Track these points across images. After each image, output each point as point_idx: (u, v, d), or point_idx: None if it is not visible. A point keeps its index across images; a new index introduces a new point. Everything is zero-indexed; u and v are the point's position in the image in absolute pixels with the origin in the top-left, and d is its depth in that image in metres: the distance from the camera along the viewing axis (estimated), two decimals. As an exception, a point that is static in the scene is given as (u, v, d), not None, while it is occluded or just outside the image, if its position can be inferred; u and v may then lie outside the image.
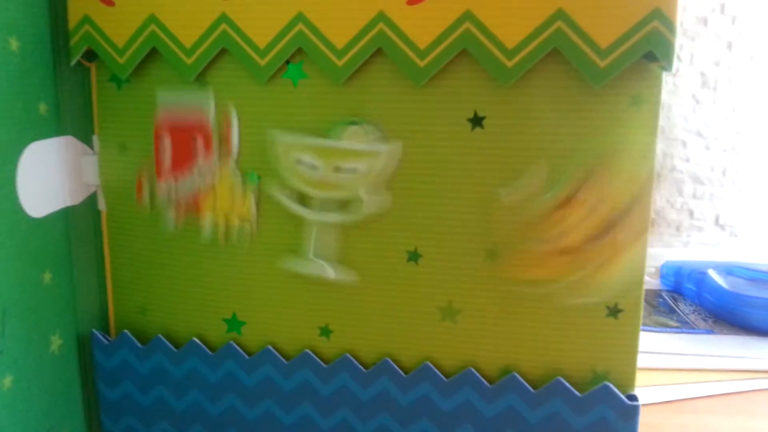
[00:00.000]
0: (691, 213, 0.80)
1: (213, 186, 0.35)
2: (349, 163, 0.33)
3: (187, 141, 0.35)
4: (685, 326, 0.57)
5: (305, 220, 0.34)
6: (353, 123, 0.33)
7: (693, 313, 0.60)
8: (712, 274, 0.62)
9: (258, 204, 0.35)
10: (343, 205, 0.34)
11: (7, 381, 0.32)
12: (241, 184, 0.35)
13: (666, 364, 0.50)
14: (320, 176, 0.33)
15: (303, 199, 0.34)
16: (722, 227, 0.81)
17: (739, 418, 0.43)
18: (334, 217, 0.34)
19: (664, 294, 0.66)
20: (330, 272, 0.35)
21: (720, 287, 0.59)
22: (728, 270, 0.63)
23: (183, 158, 0.35)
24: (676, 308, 0.62)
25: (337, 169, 0.33)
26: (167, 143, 0.35)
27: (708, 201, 0.80)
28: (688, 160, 0.78)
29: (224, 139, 0.34)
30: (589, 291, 0.33)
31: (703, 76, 0.75)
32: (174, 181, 0.36)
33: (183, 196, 0.36)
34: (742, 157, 0.79)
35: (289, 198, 0.35)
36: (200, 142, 0.35)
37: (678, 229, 0.80)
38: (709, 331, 0.56)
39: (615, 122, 0.31)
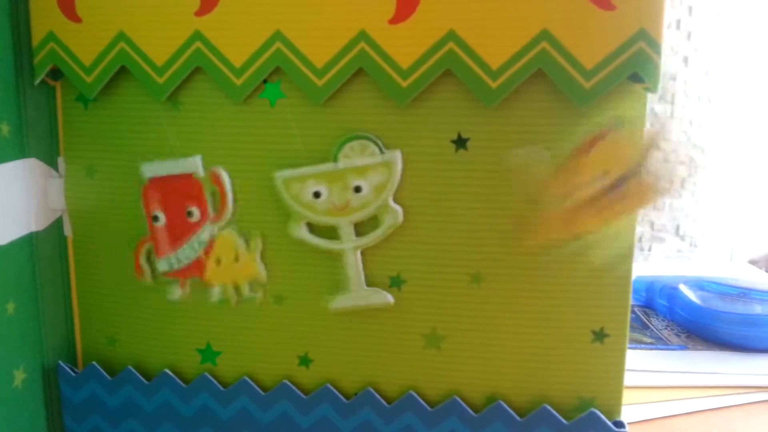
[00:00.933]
0: (651, 224, 0.81)
1: (215, 253, 0.34)
2: (358, 180, 0.32)
3: (180, 211, 0.34)
4: (659, 342, 0.56)
5: (342, 252, 0.33)
6: (349, 139, 0.32)
7: (666, 328, 0.60)
8: (683, 289, 0.62)
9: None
10: (362, 226, 0.33)
11: (-35, 421, 0.30)
12: (245, 245, 0.33)
13: (642, 382, 0.49)
14: (339, 202, 0.32)
15: (327, 231, 0.33)
16: (682, 237, 0.82)
17: None
18: (369, 240, 0.33)
19: (636, 309, 0.65)
20: (389, 297, 0.33)
21: (692, 302, 0.59)
22: (699, 285, 0.63)
23: (179, 230, 0.34)
24: (648, 324, 0.61)
25: (350, 190, 0.32)
26: (162, 218, 0.34)
27: (668, 212, 0.81)
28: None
29: (218, 202, 0.33)
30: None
31: (661, 90, 0.77)
32: (173, 253, 0.34)
33: (185, 265, 0.34)
34: (699, 168, 0.81)
35: (314, 234, 0.33)
36: (194, 210, 0.33)
37: (640, 240, 0.81)
38: (683, 347, 0.55)
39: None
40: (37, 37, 0.33)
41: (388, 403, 0.34)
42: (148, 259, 0.35)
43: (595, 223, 0.31)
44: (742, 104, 0.79)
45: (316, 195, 0.32)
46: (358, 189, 0.32)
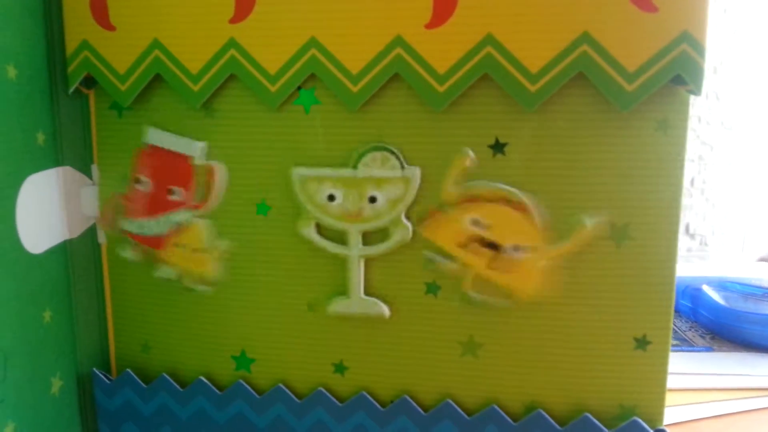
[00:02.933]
0: None
1: (180, 237, 0.34)
2: (374, 191, 0.32)
3: (164, 186, 0.34)
4: (684, 343, 0.56)
5: (347, 258, 0.33)
6: (372, 150, 0.31)
7: (690, 329, 0.60)
8: (707, 289, 0.61)
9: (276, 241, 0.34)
10: (381, 235, 0.32)
11: (9, 429, 0.30)
12: (211, 241, 0.34)
13: (667, 385, 0.49)
14: (352, 208, 0.32)
15: (339, 236, 0.33)
16: (692, 236, 0.81)
17: None
18: (375, 250, 0.32)
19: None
20: (385, 309, 0.33)
21: (716, 303, 0.59)
22: (722, 285, 0.62)
23: (156, 203, 0.34)
24: (673, 324, 0.61)
25: (365, 199, 0.32)
26: (145, 184, 0.33)
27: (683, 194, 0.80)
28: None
29: (205, 192, 0.33)
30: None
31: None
32: (142, 220, 0.34)
33: (147, 235, 0.34)
34: (709, 166, 0.80)
35: (323, 236, 0.33)
36: (178, 190, 0.33)
37: None
38: (708, 348, 0.55)
39: (641, 147, 0.30)
40: (71, 46, 0.33)
41: (425, 411, 0.33)
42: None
43: (454, 251, 0.31)
44: (750, 101, 0.78)
45: (331, 198, 0.32)
46: (373, 199, 0.32)
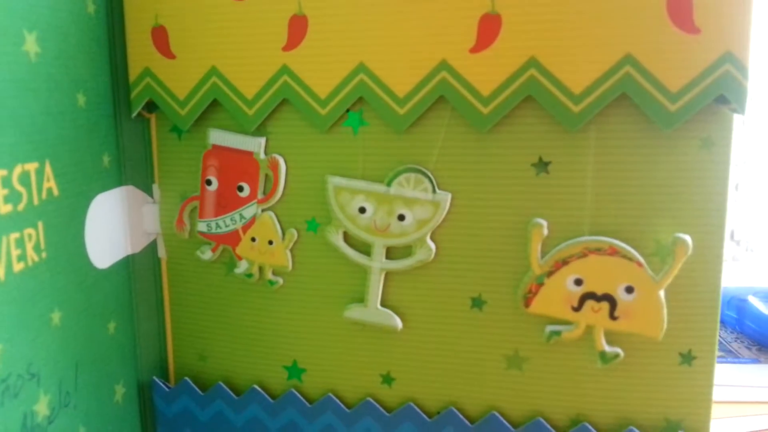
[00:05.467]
0: None
1: (252, 232, 0.35)
2: (404, 210, 0.33)
3: (232, 184, 0.35)
4: (729, 355, 0.55)
5: (368, 269, 0.34)
6: (406, 171, 0.33)
7: (735, 341, 0.59)
8: (753, 300, 0.60)
9: (312, 253, 0.35)
10: (406, 252, 0.34)
11: (78, 436, 0.32)
12: (281, 236, 0.35)
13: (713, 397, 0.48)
14: (380, 223, 0.33)
15: (365, 248, 0.34)
16: (738, 243, 0.79)
17: None
18: (396, 265, 0.34)
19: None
20: (398, 322, 0.34)
21: (762, 314, 0.58)
22: (769, 296, 0.61)
23: (226, 201, 0.36)
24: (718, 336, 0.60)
25: (394, 216, 0.33)
26: (214, 184, 0.35)
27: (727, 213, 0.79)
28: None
29: (270, 187, 0.35)
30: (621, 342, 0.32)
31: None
32: (215, 219, 0.36)
33: (222, 232, 0.36)
34: (754, 172, 0.78)
35: (350, 246, 0.34)
36: (245, 186, 0.35)
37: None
38: (755, 360, 0.54)
39: (685, 165, 0.31)
40: (134, 73, 0.35)
41: (471, 422, 0.34)
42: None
43: (569, 315, 0.32)
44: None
45: (362, 210, 0.33)
46: (401, 217, 0.33)
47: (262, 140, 0.34)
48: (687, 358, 0.32)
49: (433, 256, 0.33)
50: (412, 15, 0.31)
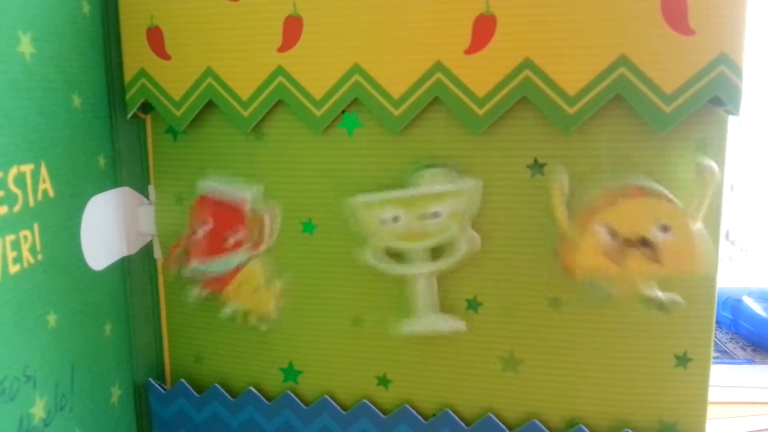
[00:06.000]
0: None
1: (239, 278, 0.35)
2: (432, 207, 0.32)
3: (222, 230, 0.35)
4: (724, 356, 0.55)
5: (415, 277, 0.33)
6: (430, 166, 0.32)
7: (730, 341, 0.59)
8: (748, 301, 0.60)
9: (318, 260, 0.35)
10: (438, 252, 0.33)
11: (73, 438, 0.32)
12: (266, 282, 0.35)
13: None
14: (407, 228, 0.33)
15: (397, 256, 0.34)
16: (733, 243, 0.79)
17: None
18: (445, 264, 0.33)
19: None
20: (446, 325, 0.33)
21: (757, 315, 0.58)
22: (764, 296, 0.61)
23: (216, 245, 0.36)
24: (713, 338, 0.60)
25: (423, 216, 0.33)
26: (205, 228, 0.35)
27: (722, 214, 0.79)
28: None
29: (260, 234, 0.35)
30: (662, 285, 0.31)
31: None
32: (203, 264, 0.36)
33: (209, 277, 0.36)
34: (749, 172, 0.78)
35: (382, 259, 0.34)
36: (237, 233, 0.35)
37: None
38: (750, 361, 0.54)
39: (681, 167, 0.31)
40: (129, 74, 0.35)
41: (467, 425, 0.34)
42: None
43: (613, 269, 0.30)
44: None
45: (395, 219, 0.33)
46: (435, 215, 0.32)
47: (256, 189, 0.35)
48: (682, 360, 0.32)
49: (479, 244, 0.32)
50: (407, 16, 0.31)
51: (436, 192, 0.32)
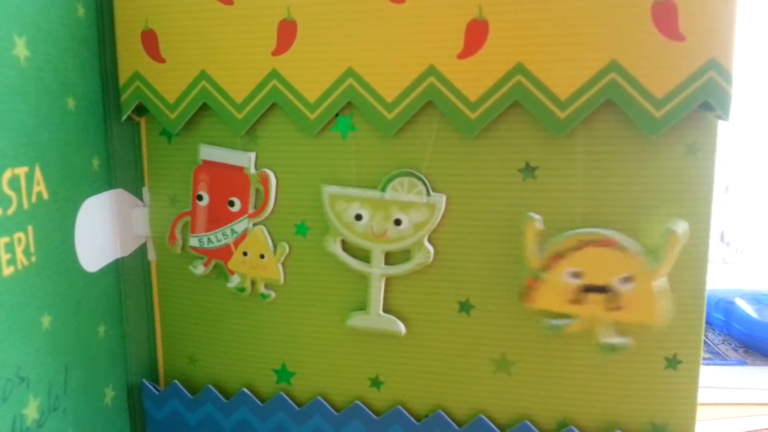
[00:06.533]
0: None
1: (244, 246, 0.35)
2: (400, 214, 0.33)
3: (223, 199, 0.35)
4: (716, 357, 0.56)
5: (368, 276, 0.34)
6: (400, 175, 0.33)
7: (723, 343, 0.59)
8: (740, 302, 0.61)
9: (306, 259, 0.35)
10: (404, 256, 0.34)
11: (66, 439, 0.32)
12: (272, 250, 0.35)
13: (700, 399, 0.49)
14: (377, 229, 0.33)
15: (364, 254, 0.34)
16: (727, 244, 0.80)
17: None
18: (396, 270, 0.34)
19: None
20: (401, 327, 0.34)
21: (749, 316, 0.58)
22: (756, 298, 0.62)
23: (217, 216, 0.36)
24: (705, 338, 0.61)
25: (391, 221, 0.33)
26: (205, 199, 0.35)
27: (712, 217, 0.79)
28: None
29: (261, 201, 0.35)
30: (626, 333, 0.32)
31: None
32: (206, 234, 0.36)
33: (214, 247, 0.36)
34: (744, 174, 0.79)
35: (348, 254, 0.34)
36: (236, 201, 0.35)
37: None
38: (742, 362, 0.54)
39: (671, 171, 0.31)
40: (123, 77, 0.36)
41: (459, 425, 0.35)
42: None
43: (601, 311, 0.31)
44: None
45: (358, 217, 0.33)
46: (398, 222, 0.33)
47: (252, 155, 0.35)
48: (672, 362, 0.32)
49: (431, 258, 0.33)
50: (401, 20, 0.31)
51: (403, 201, 0.33)
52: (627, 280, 0.31)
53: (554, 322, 0.32)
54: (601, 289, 0.31)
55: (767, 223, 0.81)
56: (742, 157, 0.79)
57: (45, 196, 0.30)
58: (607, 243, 0.31)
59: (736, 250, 0.81)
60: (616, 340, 0.32)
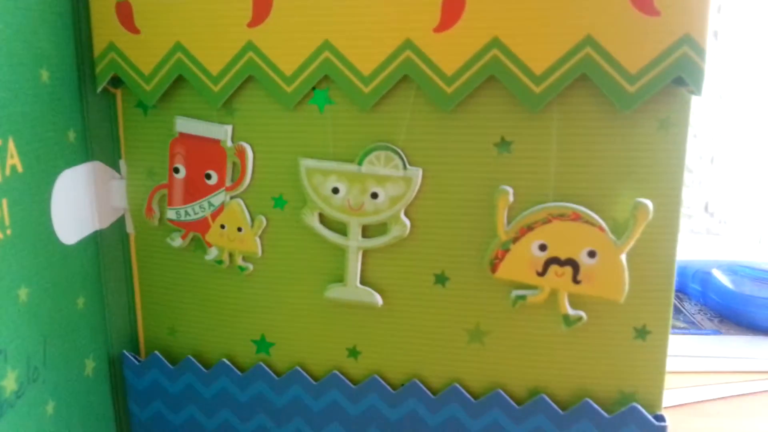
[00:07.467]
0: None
1: (221, 219, 0.36)
2: (376, 187, 0.33)
3: (200, 172, 0.36)
4: (692, 327, 0.57)
5: (346, 248, 0.35)
6: (376, 149, 0.33)
7: (699, 313, 0.61)
8: (716, 273, 0.62)
9: (287, 232, 0.36)
10: (381, 229, 0.34)
11: (50, 407, 0.33)
12: (250, 222, 0.35)
13: (675, 367, 0.50)
14: (354, 202, 0.34)
15: (341, 227, 0.35)
16: (711, 215, 0.81)
17: (750, 421, 0.43)
18: (373, 243, 0.34)
19: (669, 294, 0.66)
20: (378, 299, 0.35)
21: (725, 287, 0.60)
22: (732, 269, 0.63)
23: (194, 188, 0.36)
24: (682, 308, 0.62)
25: (367, 194, 0.33)
26: (181, 172, 0.36)
27: (697, 188, 0.80)
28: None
29: (238, 175, 0.35)
30: (594, 305, 0.33)
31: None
32: (183, 206, 0.36)
33: (191, 219, 0.36)
34: (729, 145, 0.79)
35: (325, 226, 0.35)
36: (213, 174, 0.35)
37: None
38: (716, 332, 0.56)
39: (644, 146, 0.31)
40: (98, 48, 0.35)
41: (434, 394, 0.35)
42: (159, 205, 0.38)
43: (565, 283, 0.32)
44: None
45: (335, 191, 0.34)
46: (374, 195, 0.33)
47: (229, 128, 0.35)
48: (641, 333, 0.33)
49: (408, 231, 0.34)
50: (377, -7, 0.31)
51: (380, 174, 0.33)
52: (592, 254, 0.31)
53: (518, 292, 0.33)
54: (566, 262, 0.32)
55: (751, 194, 0.82)
56: (727, 128, 0.79)
57: (19, 168, 0.30)
58: (574, 217, 0.31)
59: (720, 221, 0.82)
60: (576, 312, 0.33)
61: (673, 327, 0.57)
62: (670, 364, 0.49)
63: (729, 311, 0.59)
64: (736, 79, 0.77)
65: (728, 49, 0.76)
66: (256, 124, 0.35)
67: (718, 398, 0.46)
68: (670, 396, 0.45)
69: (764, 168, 0.81)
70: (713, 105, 0.78)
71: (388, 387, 0.36)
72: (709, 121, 0.79)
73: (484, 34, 0.30)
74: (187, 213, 0.36)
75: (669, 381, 0.47)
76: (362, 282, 0.35)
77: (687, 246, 0.75)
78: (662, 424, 0.33)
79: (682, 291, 0.66)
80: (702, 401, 0.46)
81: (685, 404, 0.45)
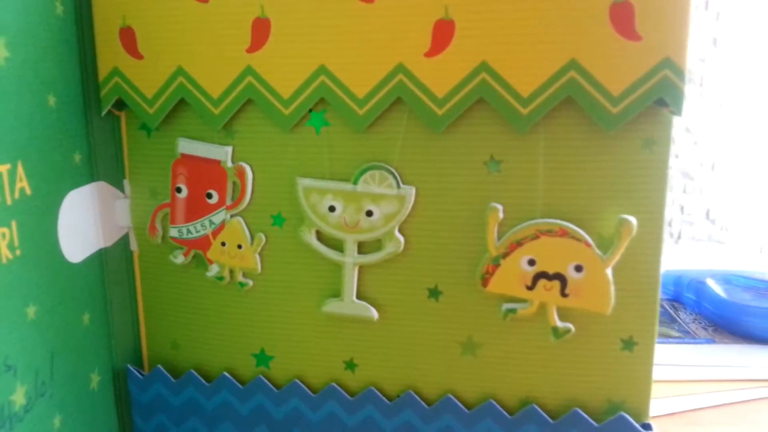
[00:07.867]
0: (681, 208, 0.81)
1: (222, 237, 0.37)
2: (371, 206, 0.34)
3: (201, 191, 0.37)
4: (687, 336, 0.58)
5: (342, 264, 0.36)
6: (371, 168, 0.34)
7: (693, 322, 0.61)
8: (711, 283, 0.63)
9: (285, 250, 0.37)
10: (375, 246, 0.36)
11: (57, 421, 0.34)
12: (249, 240, 0.37)
13: (669, 376, 0.51)
14: (350, 220, 0.35)
15: (337, 243, 0.36)
16: (713, 222, 0.82)
17: (743, 429, 0.44)
18: (369, 259, 0.36)
19: (664, 303, 0.66)
20: (374, 313, 0.36)
21: (719, 296, 0.60)
22: (726, 279, 0.64)
23: (196, 207, 0.37)
24: (676, 317, 0.63)
25: (363, 212, 0.35)
26: (183, 192, 0.37)
27: (698, 196, 0.81)
28: (677, 156, 0.80)
29: (238, 194, 0.36)
30: (582, 317, 0.34)
31: (689, 73, 0.76)
32: (185, 225, 0.37)
33: (193, 237, 0.38)
34: (730, 152, 0.80)
35: (322, 243, 0.36)
36: (214, 193, 0.36)
37: (670, 224, 0.82)
38: (710, 341, 0.57)
39: (628, 164, 0.33)
40: (103, 73, 0.37)
41: (428, 405, 0.36)
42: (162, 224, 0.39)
43: (553, 297, 0.34)
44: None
45: (331, 209, 0.35)
46: (369, 213, 0.35)
47: (229, 149, 0.36)
48: (628, 344, 0.34)
49: (402, 247, 0.35)
50: (371, 20, 0.32)
51: (375, 193, 0.34)
52: (579, 268, 0.33)
53: (509, 305, 0.34)
54: (554, 277, 0.33)
55: (753, 201, 0.82)
56: (728, 135, 0.80)
57: (28, 191, 0.31)
58: (562, 233, 0.33)
59: (721, 228, 0.83)
60: (565, 325, 0.34)
61: (668, 336, 0.57)
62: (665, 373, 0.50)
63: (723, 320, 0.59)
64: (736, 87, 0.78)
65: (727, 57, 0.77)
66: (256, 145, 0.36)
67: (713, 407, 0.47)
68: (664, 405, 0.46)
69: (765, 174, 0.82)
70: (714, 112, 0.79)
71: (384, 398, 0.37)
72: (710, 129, 0.80)
73: (473, 58, 0.32)
74: (189, 231, 0.38)
75: (663, 390, 0.48)
76: (358, 297, 0.36)
77: (688, 254, 0.76)
78: (649, 432, 0.34)
79: (677, 300, 0.67)
80: (696, 410, 0.46)
81: (680, 413, 0.46)
